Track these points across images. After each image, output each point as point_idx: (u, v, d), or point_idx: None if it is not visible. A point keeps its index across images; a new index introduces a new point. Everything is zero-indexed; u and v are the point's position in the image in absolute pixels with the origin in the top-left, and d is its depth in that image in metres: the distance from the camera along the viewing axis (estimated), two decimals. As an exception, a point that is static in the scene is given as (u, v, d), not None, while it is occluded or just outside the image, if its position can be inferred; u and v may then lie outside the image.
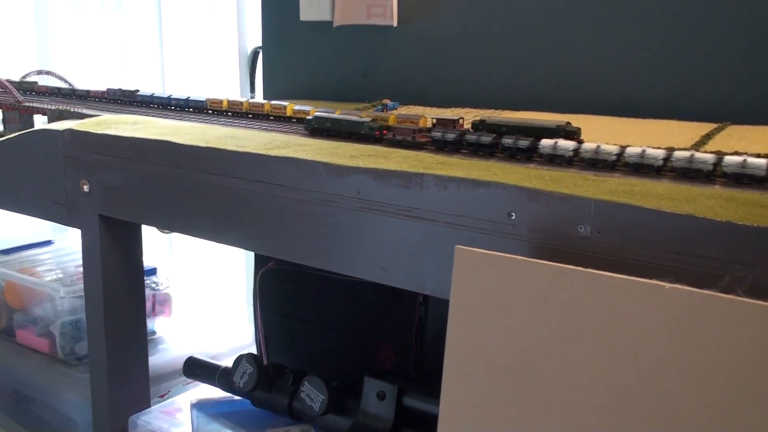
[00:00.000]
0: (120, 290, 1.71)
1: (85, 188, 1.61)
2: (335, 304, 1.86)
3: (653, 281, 0.84)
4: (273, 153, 1.32)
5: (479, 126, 1.32)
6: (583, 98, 1.72)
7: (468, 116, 1.57)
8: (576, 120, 1.33)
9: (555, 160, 1.19)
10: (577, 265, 0.91)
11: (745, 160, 1.02)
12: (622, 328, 0.86)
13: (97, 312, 1.69)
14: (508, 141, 1.23)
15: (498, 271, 0.94)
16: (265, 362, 1.68)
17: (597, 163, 1.15)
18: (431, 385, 1.36)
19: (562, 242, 1.00)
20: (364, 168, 1.19)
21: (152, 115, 1.84)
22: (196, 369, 1.83)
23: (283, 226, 1.31)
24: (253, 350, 2.10)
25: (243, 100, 1.77)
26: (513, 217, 1.04)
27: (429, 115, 1.45)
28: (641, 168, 1.11)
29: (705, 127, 1.43)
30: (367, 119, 1.43)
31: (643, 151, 1.10)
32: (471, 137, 1.27)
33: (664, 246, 0.92)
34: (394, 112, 1.74)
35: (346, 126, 1.45)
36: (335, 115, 1.49)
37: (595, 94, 1.72)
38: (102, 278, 1.66)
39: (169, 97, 1.94)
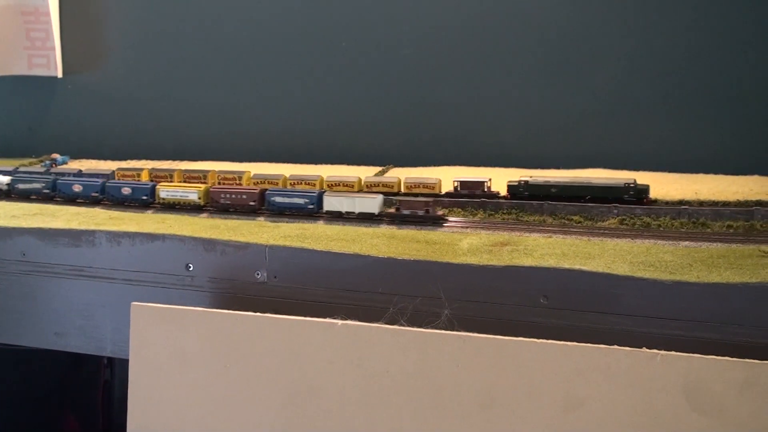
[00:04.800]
0: None
1: None
2: (9, 379, 1.70)
3: (327, 320, 0.88)
4: None
5: (519, 188, 1.26)
6: (254, 149, 1.76)
7: (148, 166, 1.53)
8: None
9: None
10: (256, 311, 0.92)
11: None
12: (301, 367, 0.89)
13: None
14: None
15: (177, 324, 0.93)
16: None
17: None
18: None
19: (241, 289, 1.01)
20: (28, 228, 1.11)
21: None
22: None
23: (-64, 299, 1.17)
24: None
25: None
26: (191, 269, 1.03)
27: (184, 169, 1.43)
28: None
29: (374, 169, 1.56)
30: None
31: None
32: None
33: (335, 285, 0.97)
34: (64, 166, 1.65)
35: None
36: None
37: (269, 145, 1.77)
38: None
39: None
